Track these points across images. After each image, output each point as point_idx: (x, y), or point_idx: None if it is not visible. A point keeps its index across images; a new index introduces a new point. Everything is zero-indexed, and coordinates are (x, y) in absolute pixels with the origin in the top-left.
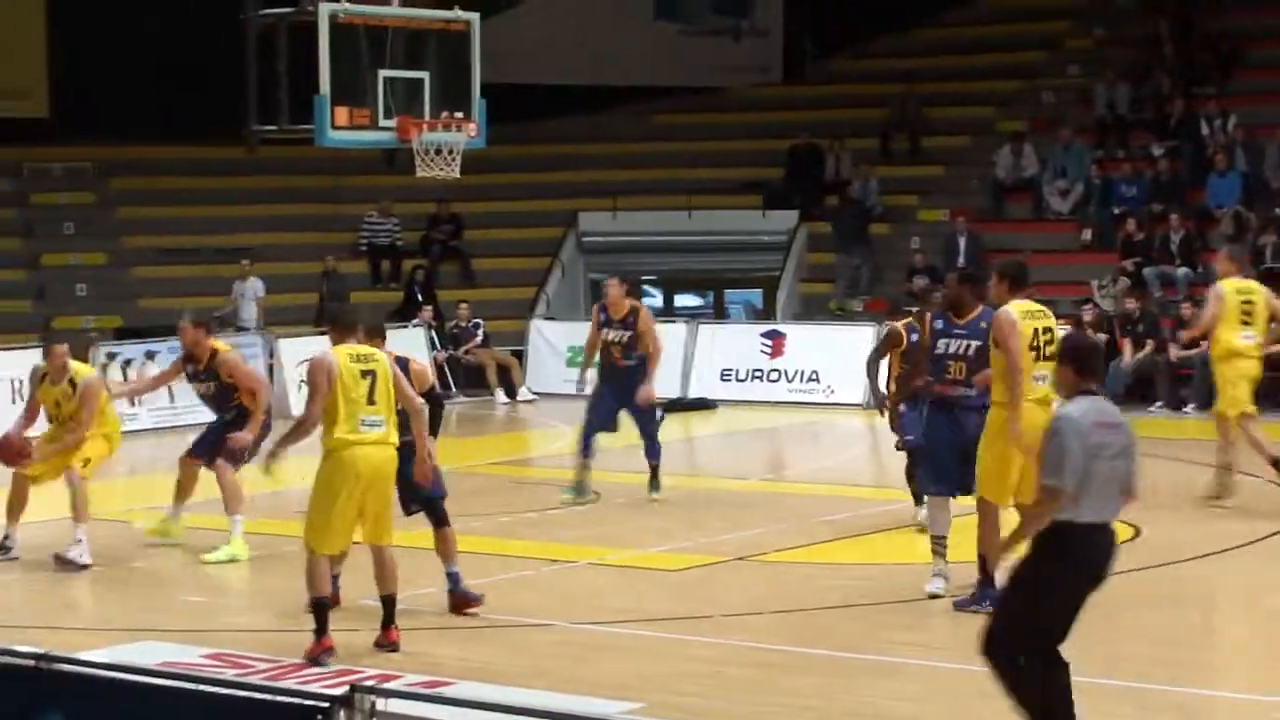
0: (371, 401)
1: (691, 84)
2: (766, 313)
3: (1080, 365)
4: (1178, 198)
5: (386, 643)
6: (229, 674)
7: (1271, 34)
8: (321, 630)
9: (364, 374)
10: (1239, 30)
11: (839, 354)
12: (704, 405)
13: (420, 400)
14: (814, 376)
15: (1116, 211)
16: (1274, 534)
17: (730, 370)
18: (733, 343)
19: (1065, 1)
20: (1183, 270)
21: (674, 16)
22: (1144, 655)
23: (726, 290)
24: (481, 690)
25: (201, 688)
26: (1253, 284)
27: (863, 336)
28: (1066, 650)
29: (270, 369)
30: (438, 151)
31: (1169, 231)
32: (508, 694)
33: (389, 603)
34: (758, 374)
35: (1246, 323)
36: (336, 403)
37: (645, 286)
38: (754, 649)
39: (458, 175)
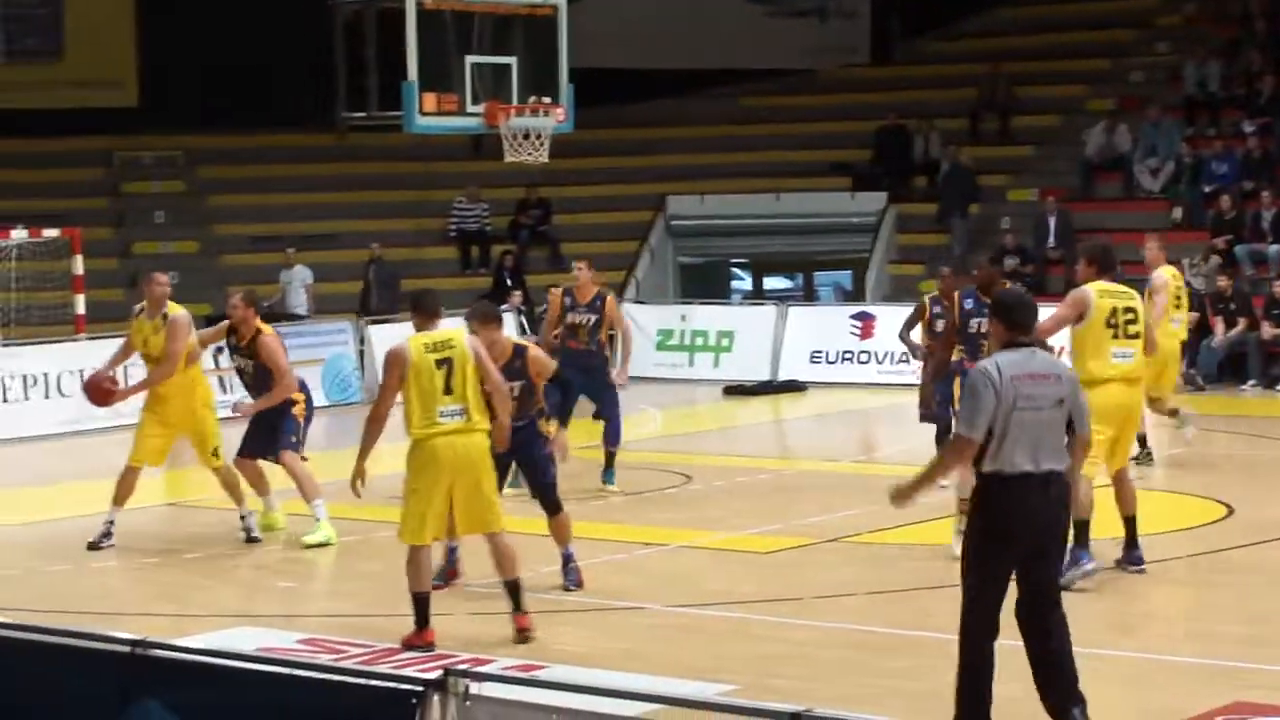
0: (449, 391)
1: (778, 66)
2: (856, 294)
3: (1008, 319)
4: (1269, 175)
5: (517, 630)
6: (323, 659)
7: None
8: (422, 622)
9: (439, 363)
10: None
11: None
12: (794, 387)
13: (500, 378)
14: (904, 358)
15: (1207, 190)
16: None
17: (820, 352)
18: (822, 324)
19: None
20: (1274, 248)
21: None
22: (1238, 635)
23: (815, 272)
24: (575, 673)
25: (296, 672)
26: None
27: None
28: (1158, 630)
29: (361, 355)
30: (525, 136)
31: (1260, 209)
32: (601, 677)
33: (512, 589)
34: (848, 355)
35: None
36: (410, 396)
37: (735, 269)
38: (847, 630)
39: (546, 160)
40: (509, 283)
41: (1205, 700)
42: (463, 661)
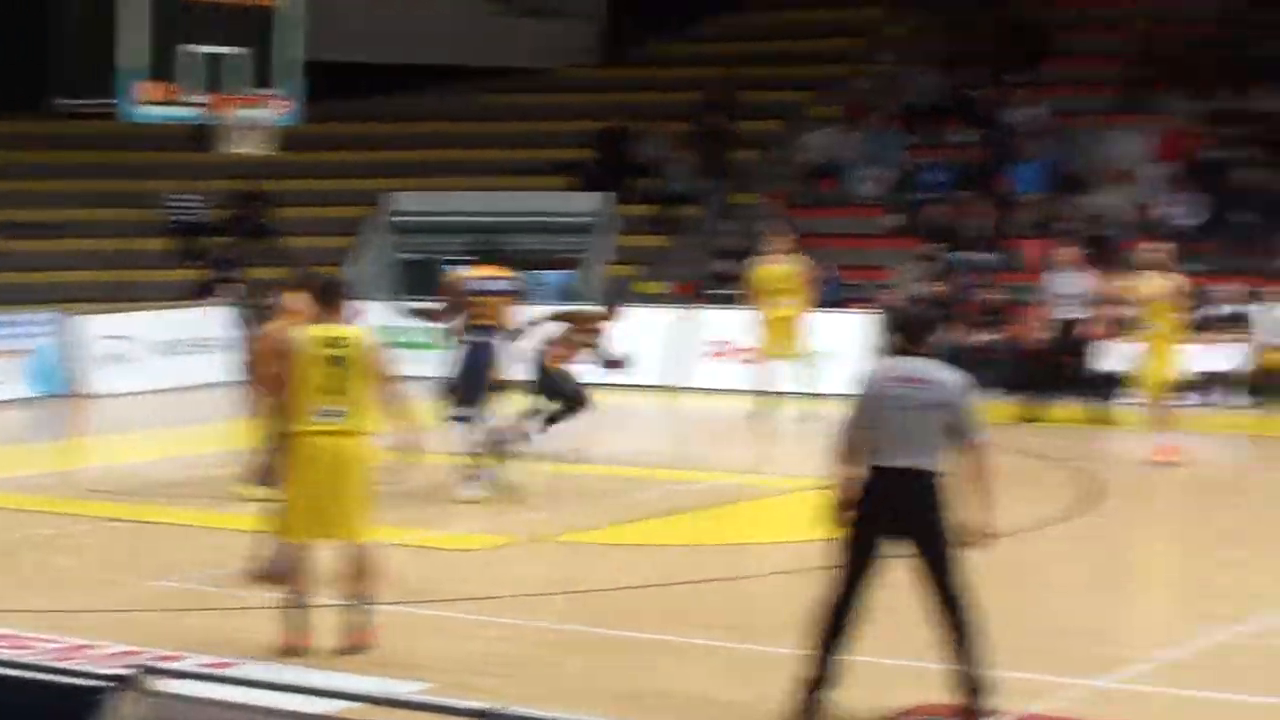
0: (335, 390)
1: (513, 64)
2: (575, 294)
3: (902, 333)
4: (984, 185)
5: (354, 644)
6: (6, 653)
7: (1079, 23)
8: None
9: (332, 360)
10: (1049, 20)
11: (645, 336)
12: (510, 386)
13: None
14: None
15: (924, 198)
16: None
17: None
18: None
19: None
20: (987, 256)
21: None
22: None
23: (538, 271)
24: (268, 670)
25: None
26: None
27: (666, 319)
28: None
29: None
30: (247, 128)
31: (975, 218)
32: (295, 674)
33: (359, 601)
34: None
35: None
36: (294, 390)
37: (455, 268)
38: (549, 629)
39: (268, 152)
40: (226, 275)
41: (891, 699)
42: (154, 658)
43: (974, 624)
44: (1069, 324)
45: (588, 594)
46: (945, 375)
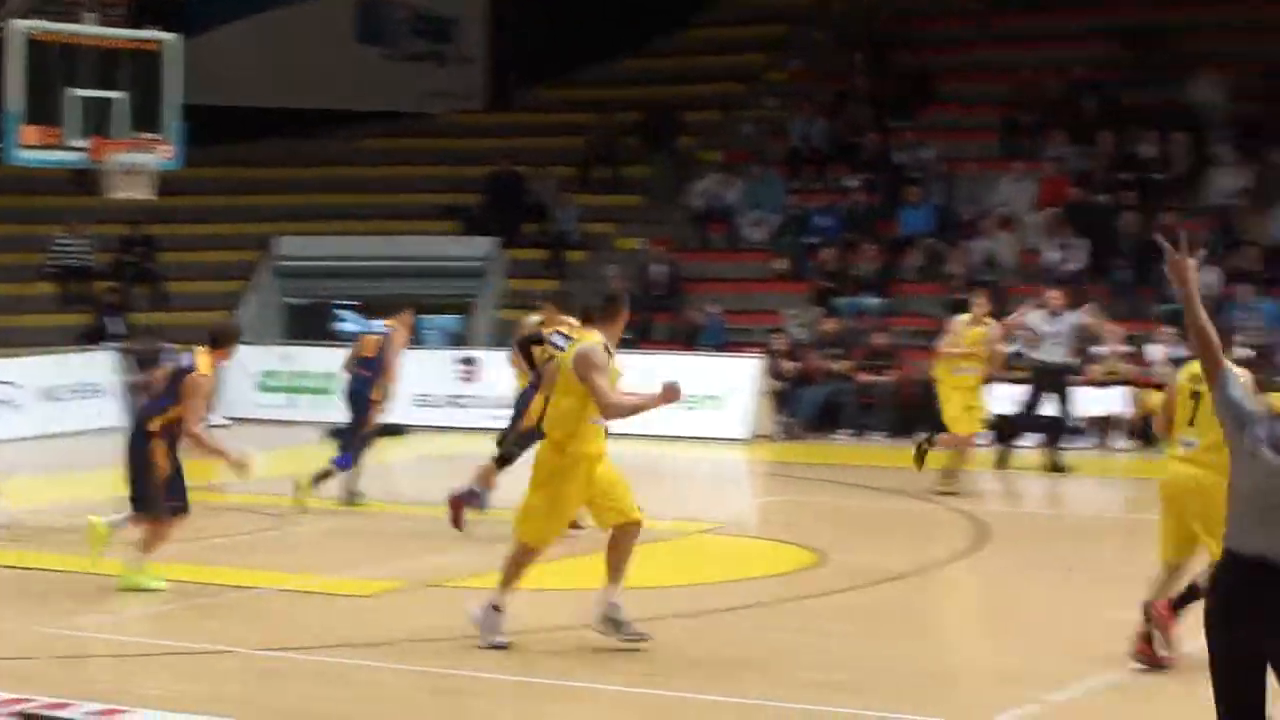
0: None
1: (396, 109)
2: (464, 339)
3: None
4: (871, 229)
5: None
6: None
7: (961, 69)
8: None
9: None
10: (931, 66)
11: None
12: (395, 431)
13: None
14: (509, 403)
15: (812, 242)
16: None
17: (425, 395)
18: (428, 368)
19: (764, 35)
20: (874, 300)
21: (377, 40)
22: (817, 680)
23: (424, 316)
24: (157, 718)
25: None
26: None
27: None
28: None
29: None
30: (130, 172)
31: (862, 262)
32: None
33: None
34: (453, 399)
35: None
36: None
37: (343, 312)
38: (438, 674)
39: (151, 197)
40: (110, 321)
41: None
42: (44, 705)
43: None
44: None
45: (476, 639)
46: None
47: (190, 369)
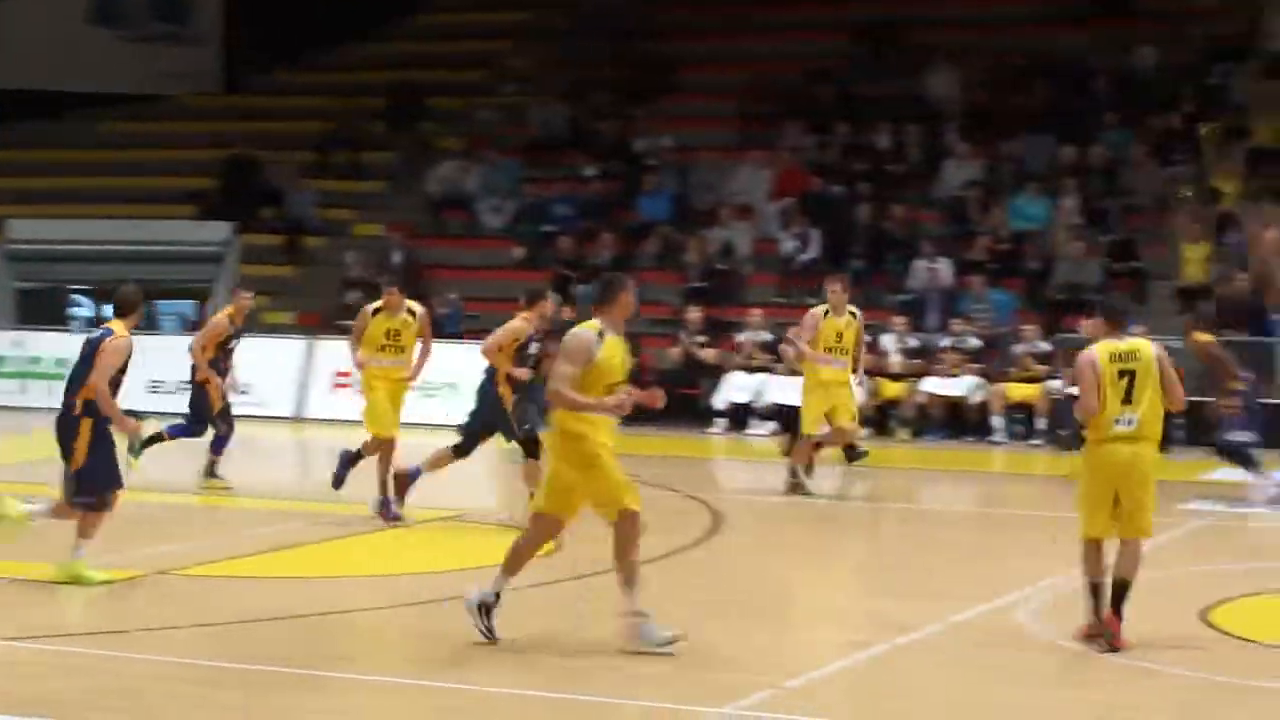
0: None
1: (132, 91)
2: (199, 324)
3: None
4: (609, 216)
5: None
6: None
7: (701, 60)
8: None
9: None
10: (672, 55)
11: (271, 366)
12: (132, 416)
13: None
14: (244, 389)
15: (550, 230)
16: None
17: (160, 382)
18: (164, 355)
19: (506, 22)
20: None
21: (113, 22)
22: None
23: (160, 301)
24: None
25: None
26: None
27: (293, 349)
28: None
29: None
30: None
31: (600, 249)
32: None
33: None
34: (187, 386)
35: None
36: None
37: (77, 296)
38: (173, 664)
39: None
40: None
41: None
42: None
43: None
44: (689, 354)
45: (214, 628)
46: None
47: (107, 334)
